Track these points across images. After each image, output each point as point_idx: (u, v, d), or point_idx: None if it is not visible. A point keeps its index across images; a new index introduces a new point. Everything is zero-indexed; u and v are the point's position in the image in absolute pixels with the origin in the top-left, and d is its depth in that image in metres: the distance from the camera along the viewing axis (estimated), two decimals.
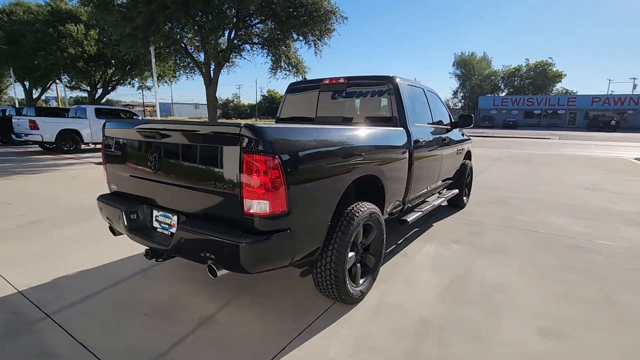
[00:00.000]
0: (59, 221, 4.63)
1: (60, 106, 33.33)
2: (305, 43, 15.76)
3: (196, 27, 13.50)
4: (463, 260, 3.58)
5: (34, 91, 31.34)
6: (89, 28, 20.13)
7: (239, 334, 2.34)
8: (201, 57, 17.13)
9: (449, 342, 2.28)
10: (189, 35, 15.01)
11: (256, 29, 15.89)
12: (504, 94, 52.56)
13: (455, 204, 5.52)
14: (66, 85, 25.93)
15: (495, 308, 2.69)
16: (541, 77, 51.94)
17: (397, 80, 3.53)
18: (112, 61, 20.64)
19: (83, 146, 13.19)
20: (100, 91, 25.42)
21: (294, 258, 2.12)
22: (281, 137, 1.92)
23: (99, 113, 13.56)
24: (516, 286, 3.05)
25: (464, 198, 5.63)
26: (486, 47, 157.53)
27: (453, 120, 4.90)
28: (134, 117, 14.92)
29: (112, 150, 2.64)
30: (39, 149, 13.55)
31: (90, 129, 13.12)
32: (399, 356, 2.14)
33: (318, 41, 15.64)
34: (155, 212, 2.42)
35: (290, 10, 13.20)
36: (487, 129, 39.02)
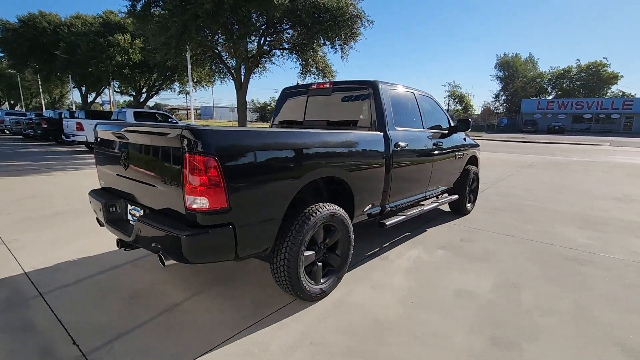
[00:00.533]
0: (79, 213, 5.13)
1: (113, 110, 36.24)
2: (331, 47, 15.96)
3: (227, 34, 14.13)
4: (441, 266, 3.53)
5: (88, 96, 34.31)
6: (135, 38, 21.74)
7: (197, 321, 2.52)
8: (233, 62, 17.90)
9: (392, 343, 2.31)
10: (221, 42, 15.70)
11: (286, 35, 16.30)
12: (550, 97, 49.41)
13: (458, 210, 5.39)
14: (115, 90, 28.09)
15: (454, 314, 2.67)
16: (594, 78, 48.18)
17: (378, 85, 3.58)
18: (155, 68, 22.09)
19: None
20: (144, 96, 27.26)
21: (241, 253, 2.27)
22: (221, 139, 2.08)
23: (137, 116, 14.60)
24: (484, 294, 2.98)
25: (468, 204, 5.49)
26: (532, 48, 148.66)
27: (452, 125, 4.82)
28: (169, 119, 15.88)
29: (100, 149, 2.96)
30: (85, 148, 14.85)
31: None
32: (336, 352, 2.21)
33: (344, 45, 15.77)
34: (129, 206, 2.68)
35: (315, 15, 13.44)
36: (530, 134, 36.93)
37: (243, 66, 17.38)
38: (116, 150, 2.66)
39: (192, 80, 25.57)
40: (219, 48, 17.32)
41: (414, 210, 4.06)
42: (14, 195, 6.26)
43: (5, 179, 7.89)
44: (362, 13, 14.51)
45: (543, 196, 6.94)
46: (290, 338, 2.34)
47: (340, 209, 2.88)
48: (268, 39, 16.68)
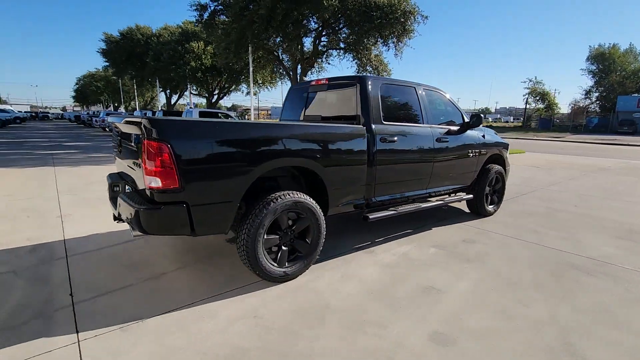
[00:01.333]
0: None
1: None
2: (384, 45, 15.78)
3: (282, 37, 14.84)
4: (424, 264, 3.46)
5: (172, 98, 38.55)
6: (207, 44, 23.91)
7: (170, 289, 2.89)
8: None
9: (328, 328, 2.41)
10: (277, 43, 16.48)
11: (339, 35, 16.52)
12: None
13: (476, 211, 5.10)
14: (192, 93, 31.13)
15: (407, 308, 2.65)
16: None
17: (365, 79, 3.62)
18: (223, 71, 24.06)
19: None
20: (216, 97, 29.78)
21: (198, 230, 2.57)
22: (175, 128, 2.40)
23: (202, 115, 16.15)
24: (453, 294, 2.88)
25: (490, 206, 5.16)
26: (634, 37, 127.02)
27: (466, 122, 4.59)
28: (228, 118, 17.24)
29: (112, 138, 3.52)
30: None
31: None
32: (274, 327, 2.39)
33: (398, 43, 15.47)
34: (127, 187, 3.17)
35: (366, 13, 13.43)
36: (626, 135, 31.92)
37: (300, 67, 18.05)
38: (116, 139, 3.17)
39: (257, 81, 27.25)
40: (278, 50, 18.23)
41: (410, 207, 4.01)
42: (87, 180, 7.49)
43: (87, 167, 9.43)
44: (416, 9, 14.11)
45: (594, 203, 6.14)
46: (240, 311, 2.58)
47: (308, 198, 3.03)
48: (322, 39, 17.08)
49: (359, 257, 3.63)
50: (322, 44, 17.36)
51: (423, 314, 2.57)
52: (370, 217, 3.63)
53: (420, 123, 4.09)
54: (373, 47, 16.51)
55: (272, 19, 12.95)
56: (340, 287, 2.96)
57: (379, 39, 15.40)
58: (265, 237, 2.83)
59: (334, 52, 19.20)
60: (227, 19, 15.12)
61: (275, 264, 2.95)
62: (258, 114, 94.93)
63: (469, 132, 4.64)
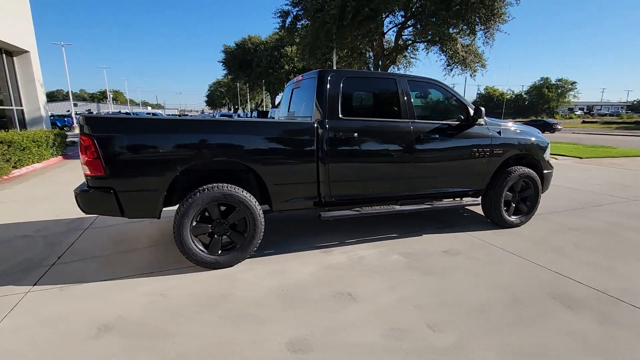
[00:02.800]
0: None
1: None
2: (470, 33, 14.24)
3: (354, 34, 14.79)
4: (369, 270, 3.19)
5: (276, 99, 42.04)
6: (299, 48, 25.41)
7: (130, 262, 3.36)
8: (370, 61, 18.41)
9: (211, 317, 2.50)
10: (355, 39, 16.45)
11: (419, 26, 15.59)
12: None
13: (493, 220, 4.36)
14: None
15: (302, 313, 2.54)
16: None
17: (323, 73, 3.50)
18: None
19: None
20: None
21: (128, 213, 2.95)
22: (101, 124, 2.80)
23: (260, 115, 17.31)
24: (365, 304, 2.62)
25: (512, 216, 4.34)
26: None
27: (472, 116, 3.97)
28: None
29: None
30: None
31: None
32: (170, 306, 2.60)
33: (487, 29, 13.78)
34: None
35: (442, 1, 12.34)
36: None
37: (380, 63, 17.69)
38: None
39: None
40: (360, 48, 18.19)
41: (381, 208, 3.71)
42: None
43: None
44: None
45: None
46: (154, 288, 2.86)
47: (240, 191, 3.13)
48: (404, 33, 16.37)
49: (311, 255, 3.55)
50: (403, 37, 16.64)
51: (309, 319, 2.43)
52: (323, 215, 3.52)
53: (397, 118, 3.73)
54: (460, 37, 15.05)
55: (343, 18, 13.03)
56: (260, 281, 2.99)
57: (464, 27, 13.97)
58: (193, 224, 3.06)
59: (421, 45, 18.22)
60: (307, 24, 15.80)
61: (206, 251, 3.15)
62: None
63: (474, 128, 4.00)
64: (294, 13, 15.84)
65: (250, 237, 3.25)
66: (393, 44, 16.98)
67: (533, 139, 4.39)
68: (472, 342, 2.18)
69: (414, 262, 3.36)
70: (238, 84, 53.83)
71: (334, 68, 19.03)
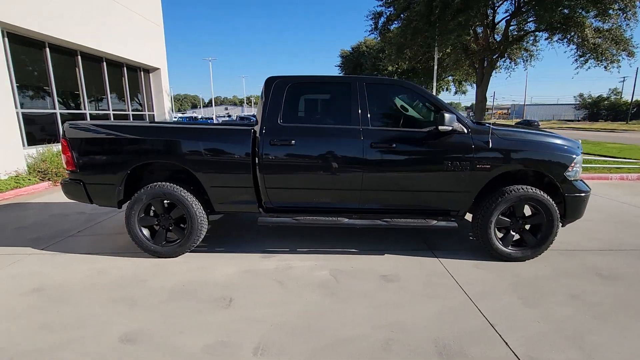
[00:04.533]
0: None
1: None
2: (603, 17, 11.31)
3: (439, 30, 13.50)
4: (278, 280, 3.10)
5: None
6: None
7: (122, 241, 4.11)
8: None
9: (103, 297, 2.91)
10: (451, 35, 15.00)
11: (530, 15, 13.18)
12: None
13: (486, 250, 3.58)
14: None
15: (163, 309, 2.71)
16: None
17: (270, 80, 3.51)
18: (420, 73, 23.89)
19: None
20: None
21: (95, 201, 3.61)
22: (72, 128, 3.49)
23: None
24: (235, 311, 2.60)
25: (509, 247, 3.48)
26: None
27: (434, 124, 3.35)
28: None
29: None
30: None
31: None
32: (91, 282, 3.13)
33: (629, 7, 10.75)
34: None
35: None
36: None
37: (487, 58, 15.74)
38: None
39: (458, 79, 25.42)
40: (468, 42, 16.50)
41: (324, 220, 3.51)
42: None
43: None
44: None
45: None
46: (102, 265, 3.44)
47: (180, 190, 3.46)
48: (513, 23, 14.12)
49: (248, 258, 3.62)
50: (512, 27, 14.35)
51: (164, 316, 2.58)
52: (259, 220, 3.56)
53: (346, 124, 3.45)
54: (585, 22, 12.12)
55: (430, 13, 12.10)
56: (178, 274, 3.25)
57: (592, 9, 11.19)
58: (141, 215, 3.54)
59: (544, 35, 15.38)
60: (399, 25, 15.23)
61: (151, 241, 3.60)
62: (492, 113, 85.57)
63: (451, 137, 3.36)
64: (387, 14, 15.46)
65: (188, 234, 3.55)
66: (501, 36, 14.82)
67: (548, 151, 3.40)
68: None
69: (334, 281, 3.10)
70: None
71: (434, 67, 17.84)
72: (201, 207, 3.55)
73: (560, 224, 3.51)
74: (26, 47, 8.21)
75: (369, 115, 3.45)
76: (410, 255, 3.66)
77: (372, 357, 2.11)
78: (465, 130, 3.39)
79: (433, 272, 3.28)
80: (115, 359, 2.11)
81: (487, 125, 3.48)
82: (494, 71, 20.86)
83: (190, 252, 3.73)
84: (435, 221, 3.51)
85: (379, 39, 17.67)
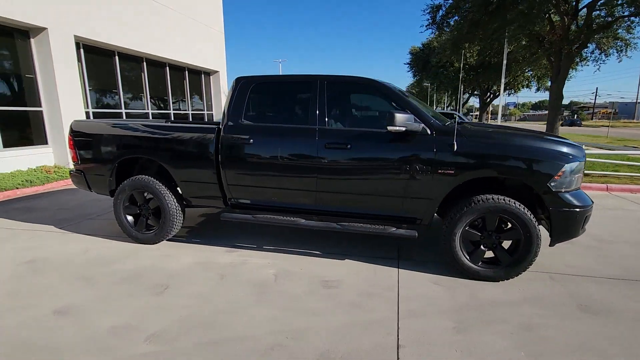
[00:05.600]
0: None
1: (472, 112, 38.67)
2: None
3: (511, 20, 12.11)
4: (220, 274, 3.19)
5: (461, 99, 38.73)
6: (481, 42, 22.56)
7: (86, 223, 4.63)
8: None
9: (72, 273, 3.32)
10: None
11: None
12: None
13: (455, 266, 3.22)
14: (471, 93, 30.10)
15: (107, 289, 2.99)
16: None
17: (237, 80, 3.61)
18: (490, 67, 21.77)
19: None
20: (492, 96, 27.31)
21: (94, 190, 4.12)
22: (74, 126, 4.01)
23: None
24: (169, 294, 2.77)
25: (477, 264, 3.08)
26: None
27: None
28: (452, 117, 16.18)
29: None
30: None
31: None
32: (76, 260, 3.59)
33: None
34: None
35: None
36: None
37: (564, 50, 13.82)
38: None
39: (538, 75, 22.79)
40: (540, 32, 14.67)
41: (281, 219, 3.51)
42: None
43: None
44: None
45: None
46: (92, 245, 3.91)
47: (155, 182, 3.76)
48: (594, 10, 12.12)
49: (213, 251, 3.78)
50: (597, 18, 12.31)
51: (105, 296, 2.85)
52: (222, 216, 3.69)
53: (303, 123, 3.38)
54: None
55: (488, 4, 10.99)
56: (142, 260, 3.53)
57: None
58: (126, 204, 3.94)
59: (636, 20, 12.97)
60: (459, 20, 14.13)
61: (133, 228, 3.98)
62: (592, 112, 74.36)
63: (410, 137, 3.09)
64: (446, 7, 14.44)
65: (161, 224, 3.85)
66: (582, 24, 12.83)
67: (526, 156, 2.91)
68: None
69: (272, 281, 3.08)
70: (428, 86, 52.68)
71: (504, 61, 16.25)
72: (174, 200, 3.81)
73: (553, 242, 3.01)
74: (98, 56, 9.59)
75: (326, 115, 3.35)
76: (371, 263, 3.46)
77: (215, 344, 2.08)
78: (429, 132, 3.09)
79: (380, 282, 3.06)
80: (38, 326, 2.42)
81: (451, 124, 3.11)
82: (581, 64, 18.23)
83: (169, 240, 4.04)
84: (394, 228, 3.27)
85: (436, 34, 16.60)
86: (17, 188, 6.61)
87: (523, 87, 28.91)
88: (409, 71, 42.77)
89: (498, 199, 2.93)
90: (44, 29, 7.70)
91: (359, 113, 3.53)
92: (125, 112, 10.46)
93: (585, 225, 3.09)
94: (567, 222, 2.93)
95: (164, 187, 3.78)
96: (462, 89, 27.02)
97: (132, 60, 10.74)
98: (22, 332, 2.36)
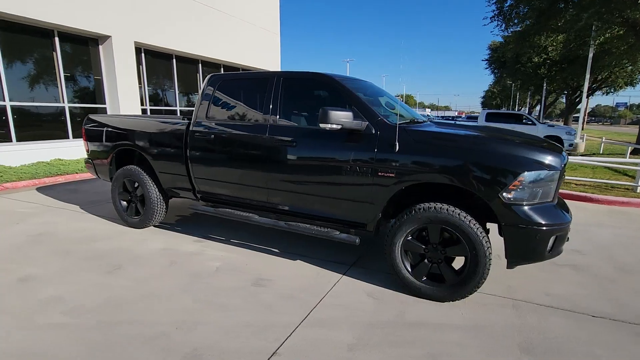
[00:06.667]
0: None
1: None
2: None
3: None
4: (172, 262, 3.36)
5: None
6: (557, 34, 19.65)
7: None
8: None
9: (51, 248, 3.79)
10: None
11: None
12: None
13: (396, 279, 2.93)
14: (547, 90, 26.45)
15: (73, 264, 3.35)
16: None
17: (208, 77, 3.74)
18: (576, 62, 18.79)
19: None
20: (582, 93, 23.68)
21: (100, 176, 4.65)
22: (87, 122, 4.55)
23: (490, 116, 14.79)
24: (122, 276, 3.04)
25: (420, 279, 2.76)
26: None
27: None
28: (523, 120, 14.52)
29: None
30: None
31: None
32: (80, 235, 4.11)
33: None
34: None
35: None
36: None
37: None
38: None
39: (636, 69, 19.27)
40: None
41: (239, 214, 3.57)
42: None
43: None
44: None
45: None
46: (89, 225, 4.43)
47: (139, 172, 4.11)
48: None
49: (183, 239, 3.98)
50: None
51: (67, 270, 3.20)
52: (189, 206, 3.88)
53: (257, 120, 3.38)
54: None
55: None
56: (119, 243, 3.89)
57: None
58: (120, 191, 4.37)
59: None
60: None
61: (125, 213, 4.39)
62: None
63: (352, 136, 2.89)
64: None
65: (145, 210, 4.19)
66: None
67: (474, 160, 2.51)
68: None
69: (207, 274, 3.15)
70: (512, 84, 47.85)
71: (589, 55, 14.13)
72: (156, 190, 4.12)
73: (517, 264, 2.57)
74: (157, 59, 10.72)
75: (278, 111, 3.31)
76: (321, 267, 3.32)
77: (80, 338, 2.18)
78: (373, 130, 2.85)
79: (313, 287, 2.92)
80: None
81: (395, 122, 2.81)
82: None
83: (156, 227, 4.38)
84: (338, 232, 3.09)
85: (503, 26, 14.90)
86: (77, 173, 7.75)
87: (626, 85, 24.54)
88: (486, 68, 39.52)
89: (440, 208, 2.58)
90: (108, 36, 8.87)
91: (310, 109, 3.40)
92: (179, 110, 11.53)
93: (560, 246, 2.57)
94: (525, 242, 2.46)
95: (147, 177, 4.11)
96: (545, 87, 23.81)
97: (188, 62, 11.77)
98: None
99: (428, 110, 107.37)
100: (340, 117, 2.75)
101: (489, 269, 2.55)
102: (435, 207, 2.60)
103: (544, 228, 2.41)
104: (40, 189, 6.47)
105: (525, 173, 2.41)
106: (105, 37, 8.91)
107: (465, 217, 2.52)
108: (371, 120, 2.89)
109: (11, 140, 7.70)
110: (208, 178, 3.71)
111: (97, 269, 3.22)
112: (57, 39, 8.21)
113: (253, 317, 2.49)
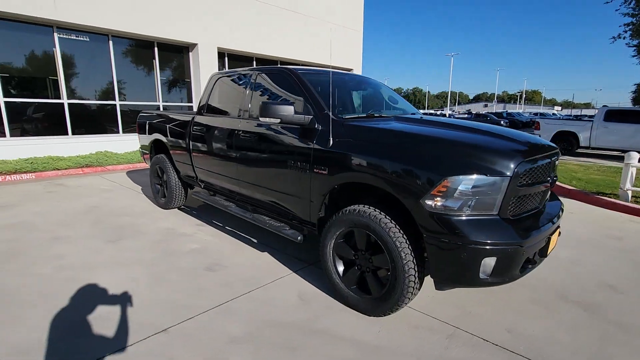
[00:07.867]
0: None
1: None
2: None
3: None
4: (156, 242, 3.79)
5: None
6: None
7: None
8: None
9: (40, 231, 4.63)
10: None
11: None
12: None
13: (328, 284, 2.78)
14: None
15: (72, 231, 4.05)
16: None
17: (212, 75, 4.08)
18: None
19: (581, 150, 12.67)
20: None
21: (146, 163, 5.48)
22: (139, 117, 5.40)
23: (610, 115, 12.01)
24: (109, 251, 3.64)
25: (350, 287, 2.55)
26: None
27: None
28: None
29: None
30: None
31: (591, 132, 12.21)
32: (103, 208, 4.98)
33: None
34: None
35: None
36: None
37: None
38: None
39: None
40: None
41: (222, 203, 3.84)
42: None
43: None
44: None
45: None
46: (129, 202, 5.27)
47: (165, 160, 4.71)
48: None
49: (188, 221, 4.43)
50: None
51: (79, 236, 3.92)
52: (193, 193, 4.30)
53: (235, 115, 3.56)
54: None
55: None
56: (136, 216, 4.55)
57: None
58: (154, 176, 5.10)
59: None
60: None
61: (158, 194, 5.09)
62: None
63: (298, 130, 2.82)
64: None
65: (167, 194, 4.80)
66: None
67: (401, 161, 2.18)
68: None
69: (183, 253, 3.47)
70: None
71: None
72: (175, 177, 4.68)
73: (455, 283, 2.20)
74: (239, 62, 11.86)
75: (250, 105, 3.42)
76: (279, 261, 3.33)
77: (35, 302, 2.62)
78: (316, 125, 2.73)
79: (254, 278, 2.96)
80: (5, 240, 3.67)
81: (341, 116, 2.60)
82: None
83: (180, 209, 4.97)
84: (288, 228, 3.06)
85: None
86: None
87: None
88: (634, 56, 31.83)
89: (364, 212, 2.34)
90: (195, 44, 10.23)
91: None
92: None
93: (511, 271, 2.07)
94: (449, 260, 2.05)
95: (170, 165, 4.70)
96: None
97: (268, 62, 12.68)
98: None
99: (557, 108, 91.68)
100: (279, 111, 2.71)
101: (414, 287, 2.20)
102: (359, 210, 2.37)
103: (472, 246, 1.97)
104: (129, 172, 7.89)
105: (453, 177, 2.01)
106: (193, 45, 10.29)
107: (385, 225, 2.22)
108: (317, 114, 2.77)
109: (119, 132, 9.58)
110: (202, 168, 4.06)
111: (105, 237, 3.86)
112: (156, 49, 9.85)
113: (178, 296, 2.68)
